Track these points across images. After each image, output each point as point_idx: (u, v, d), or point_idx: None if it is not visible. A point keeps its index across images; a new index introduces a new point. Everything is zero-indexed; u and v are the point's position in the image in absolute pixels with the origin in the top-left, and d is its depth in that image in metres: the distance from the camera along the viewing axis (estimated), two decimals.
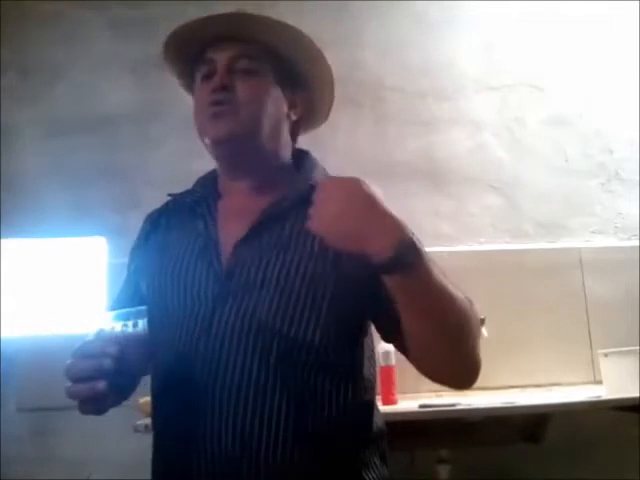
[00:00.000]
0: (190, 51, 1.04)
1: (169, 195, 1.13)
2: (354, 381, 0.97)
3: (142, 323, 0.91)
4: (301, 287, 0.93)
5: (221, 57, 1.00)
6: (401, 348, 0.96)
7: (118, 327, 0.90)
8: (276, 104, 1.03)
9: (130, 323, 0.90)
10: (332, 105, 1.13)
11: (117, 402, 0.91)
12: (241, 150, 1.01)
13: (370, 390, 1.01)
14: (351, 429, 0.95)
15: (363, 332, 1.00)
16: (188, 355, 0.93)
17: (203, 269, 0.97)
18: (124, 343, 0.88)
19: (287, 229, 0.98)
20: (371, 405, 1.01)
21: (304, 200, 0.97)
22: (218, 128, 0.99)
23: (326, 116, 1.16)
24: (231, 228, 1.00)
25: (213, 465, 0.89)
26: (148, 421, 1.68)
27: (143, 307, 0.92)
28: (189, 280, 0.98)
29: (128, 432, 1.73)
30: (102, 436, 2.05)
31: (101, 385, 0.82)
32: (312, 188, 1.00)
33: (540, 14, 2.58)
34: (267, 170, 1.04)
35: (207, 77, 1.02)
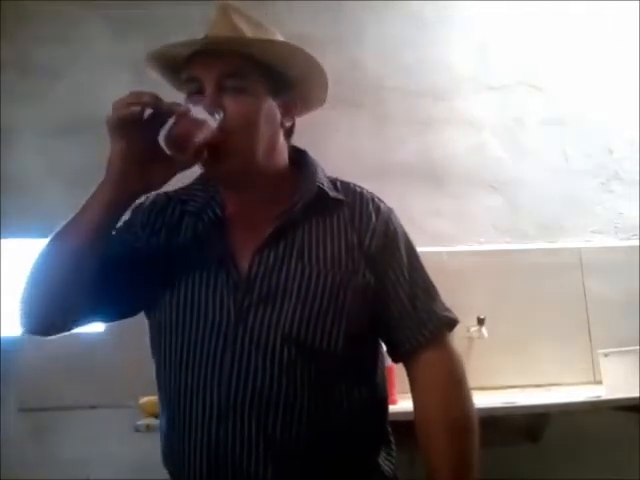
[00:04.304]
0: (172, 64, 1.00)
1: (164, 193, 1.09)
2: (372, 378, 1.02)
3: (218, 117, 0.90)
4: (322, 297, 0.94)
5: (208, 76, 0.95)
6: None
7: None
8: (269, 120, 0.99)
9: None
10: (327, 89, 1.07)
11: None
12: (235, 177, 0.99)
13: (384, 385, 1.06)
14: (371, 419, 1.00)
15: (375, 328, 1.03)
16: (212, 369, 0.92)
17: (222, 281, 0.96)
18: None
19: (299, 236, 0.98)
20: (385, 399, 1.05)
21: (314, 205, 1.00)
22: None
23: (322, 100, 1.11)
24: (245, 238, 0.98)
25: (242, 476, 0.90)
26: (148, 421, 1.69)
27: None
28: (210, 292, 0.96)
29: (128, 432, 1.73)
30: (102, 436, 2.06)
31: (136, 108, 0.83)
32: (320, 190, 1.01)
33: (540, 14, 2.58)
34: (266, 181, 1.02)
35: (194, 95, 0.96)
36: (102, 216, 0.89)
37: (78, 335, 2.48)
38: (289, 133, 1.08)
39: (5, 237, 2.23)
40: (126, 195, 0.90)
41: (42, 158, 2.33)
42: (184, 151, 0.86)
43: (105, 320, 1.08)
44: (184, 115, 0.87)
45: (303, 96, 1.07)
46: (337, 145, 2.35)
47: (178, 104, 0.89)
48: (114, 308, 1.02)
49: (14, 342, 2.16)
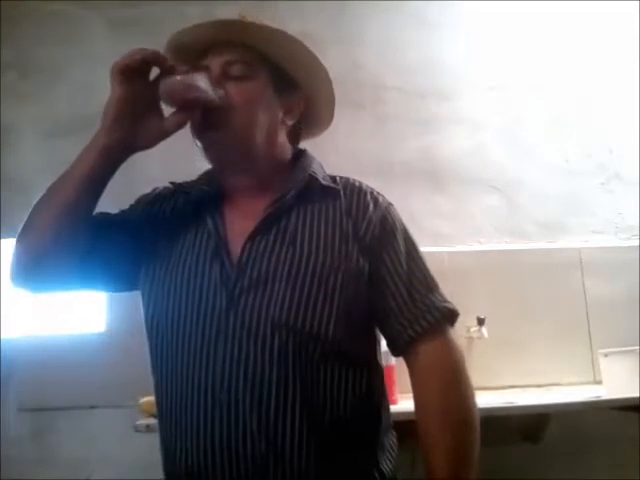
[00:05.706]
0: (188, 58, 1.05)
1: (171, 183, 1.13)
2: (368, 368, 1.01)
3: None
4: (312, 282, 0.95)
5: (214, 63, 1.01)
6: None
7: None
8: (269, 110, 1.03)
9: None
10: (334, 107, 1.13)
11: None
12: (231, 155, 1.02)
13: (382, 376, 1.05)
14: (367, 414, 0.99)
15: (373, 320, 1.03)
16: (206, 354, 0.94)
17: (216, 269, 0.98)
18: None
19: (292, 223, 1.00)
20: (383, 391, 1.05)
21: (308, 193, 1.02)
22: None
23: (329, 120, 1.16)
24: (239, 227, 1.01)
25: (238, 463, 0.90)
26: (149, 421, 1.68)
27: None
28: (205, 279, 0.98)
29: (128, 432, 1.73)
30: (102, 436, 2.06)
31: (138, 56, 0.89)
32: (311, 177, 1.02)
33: (540, 14, 2.58)
34: (263, 171, 1.04)
35: None
36: (94, 163, 0.94)
37: (78, 335, 2.47)
38: (293, 136, 1.10)
39: (5, 237, 2.23)
40: (118, 143, 0.94)
41: (42, 158, 2.33)
42: (175, 101, 0.94)
43: (95, 288, 1.10)
44: (184, 74, 0.94)
45: (308, 103, 1.09)
46: (337, 145, 2.35)
47: (181, 66, 0.95)
48: (105, 277, 1.05)
49: (14, 342, 2.17)
